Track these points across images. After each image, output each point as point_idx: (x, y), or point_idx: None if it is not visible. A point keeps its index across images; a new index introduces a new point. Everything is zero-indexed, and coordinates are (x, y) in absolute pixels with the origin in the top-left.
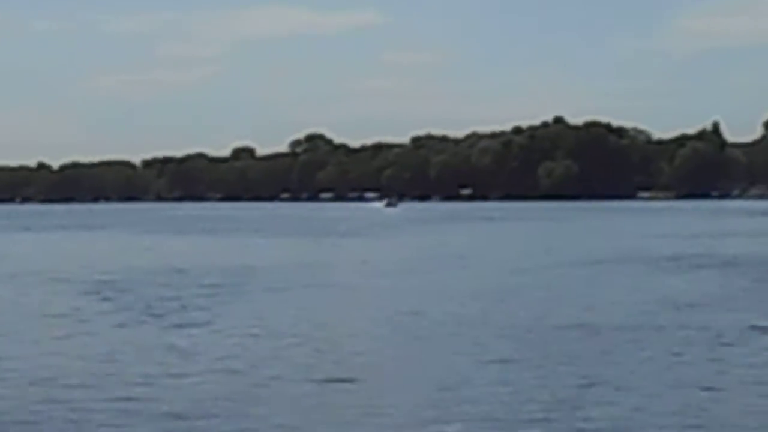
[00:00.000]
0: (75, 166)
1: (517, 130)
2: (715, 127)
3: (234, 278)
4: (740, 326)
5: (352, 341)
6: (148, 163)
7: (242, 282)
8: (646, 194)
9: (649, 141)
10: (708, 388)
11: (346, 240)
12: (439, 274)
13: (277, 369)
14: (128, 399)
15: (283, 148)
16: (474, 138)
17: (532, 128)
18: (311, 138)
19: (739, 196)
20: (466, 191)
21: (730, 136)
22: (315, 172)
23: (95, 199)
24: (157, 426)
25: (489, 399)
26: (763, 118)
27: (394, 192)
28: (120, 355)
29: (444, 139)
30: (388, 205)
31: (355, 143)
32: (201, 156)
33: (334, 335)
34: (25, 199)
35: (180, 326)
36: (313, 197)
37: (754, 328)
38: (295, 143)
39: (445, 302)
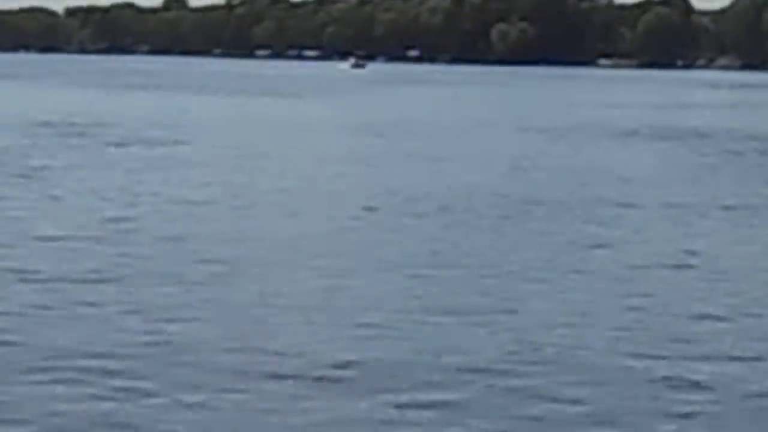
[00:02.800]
0: None
1: None
2: None
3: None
4: (670, 202)
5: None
6: (71, 12)
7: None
8: (606, 62)
9: (611, 4)
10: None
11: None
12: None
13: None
14: None
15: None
16: None
17: None
18: None
19: (706, 67)
20: (413, 53)
21: (697, 2)
22: (251, 26)
23: (14, 49)
24: None
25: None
26: None
27: (353, 51)
28: None
29: None
30: (355, 66)
31: None
32: (129, 6)
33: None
34: None
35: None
36: (249, 54)
37: (679, 205)
38: None
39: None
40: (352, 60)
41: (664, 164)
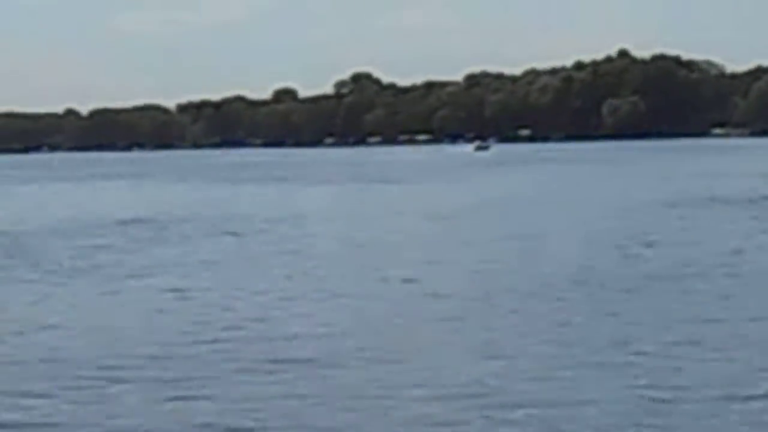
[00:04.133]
0: (105, 111)
1: (579, 66)
2: None
3: None
4: None
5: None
6: (183, 108)
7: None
8: (719, 131)
9: (722, 74)
10: None
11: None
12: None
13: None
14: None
15: (327, 89)
16: (532, 75)
17: (595, 63)
18: (357, 78)
19: None
20: (525, 132)
21: None
22: (362, 114)
23: (128, 147)
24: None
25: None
26: None
27: (487, 134)
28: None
29: (500, 76)
30: (479, 148)
31: (404, 82)
32: (240, 99)
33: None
34: (53, 148)
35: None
36: (360, 141)
37: None
38: (341, 84)
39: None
40: (476, 143)
41: None
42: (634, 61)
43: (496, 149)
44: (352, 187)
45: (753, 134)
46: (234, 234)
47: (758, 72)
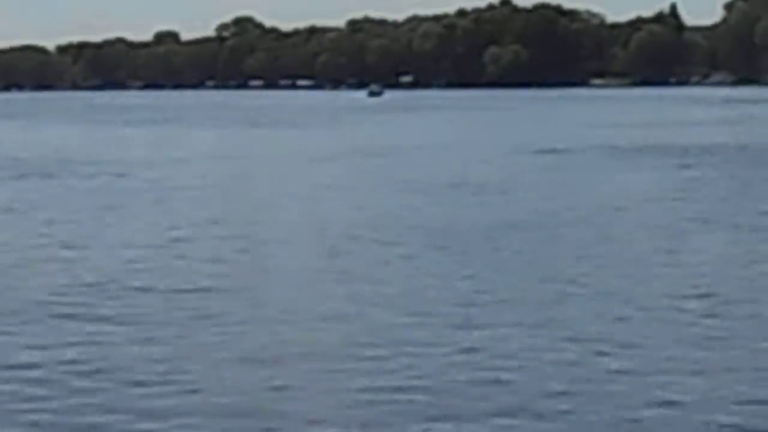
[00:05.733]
0: None
1: (462, 13)
2: (673, 9)
3: None
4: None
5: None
6: (63, 49)
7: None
8: (599, 81)
9: (603, 24)
10: (657, 277)
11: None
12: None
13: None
14: None
15: (209, 32)
16: (415, 22)
17: (478, 11)
18: (239, 21)
19: (699, 83)
20: (406, 78)
21: (688, 18)
22: (243, 57)
23: (6, 87)
24: None
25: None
26: (723, 0)
27: (375, 78)
28: None
29: (382, 22)
30: (372, 94)
31: (286, 27)
32: (121, 41)
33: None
34: None
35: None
36: (242, 85)
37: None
38: (222, 27)
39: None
40: (371, 88)
41: (658, 181)
42: (516, 9)
43: (389, 95)
44: (255, 132)
45: (633, 84)
46: (115, 175)
47: (638, 22)
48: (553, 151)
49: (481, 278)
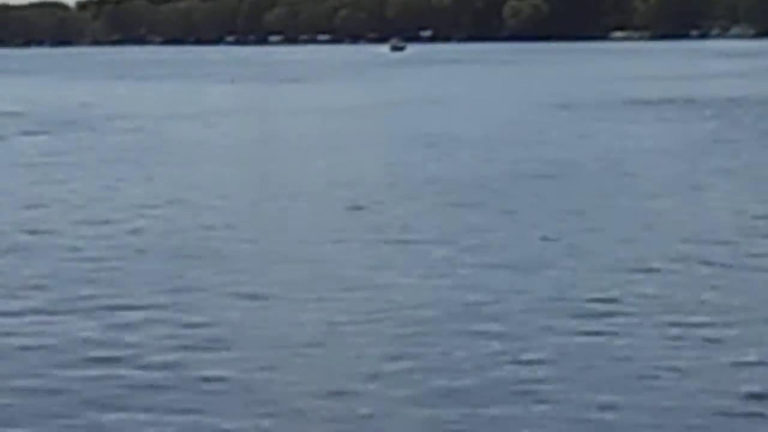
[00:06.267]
0: (3, 8)
1: None
2: None
3: None
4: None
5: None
6: (82, 5)
7: None
8: (619, 34)
9: None
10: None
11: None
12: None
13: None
14: None
15: None
16: None
17: None
18: None
19: (720, 36)
20: (426, 33)
21: None
22: (263, 13)
23: (26, 44)
24: None
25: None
26: None
27: (398, 34)
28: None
29: None
30: (394, 48)
31: None
32: None
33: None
34: None
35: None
36: (261, 40)
37: (722, 171)
38: None
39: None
40: (393, 42)
41: (680, 134)
42: None
43: (411, 50)
44: (284, 87)
45: (653, 38)
46: (135, 130)
47: None
48: (573, 104)
49: (507, 231)
